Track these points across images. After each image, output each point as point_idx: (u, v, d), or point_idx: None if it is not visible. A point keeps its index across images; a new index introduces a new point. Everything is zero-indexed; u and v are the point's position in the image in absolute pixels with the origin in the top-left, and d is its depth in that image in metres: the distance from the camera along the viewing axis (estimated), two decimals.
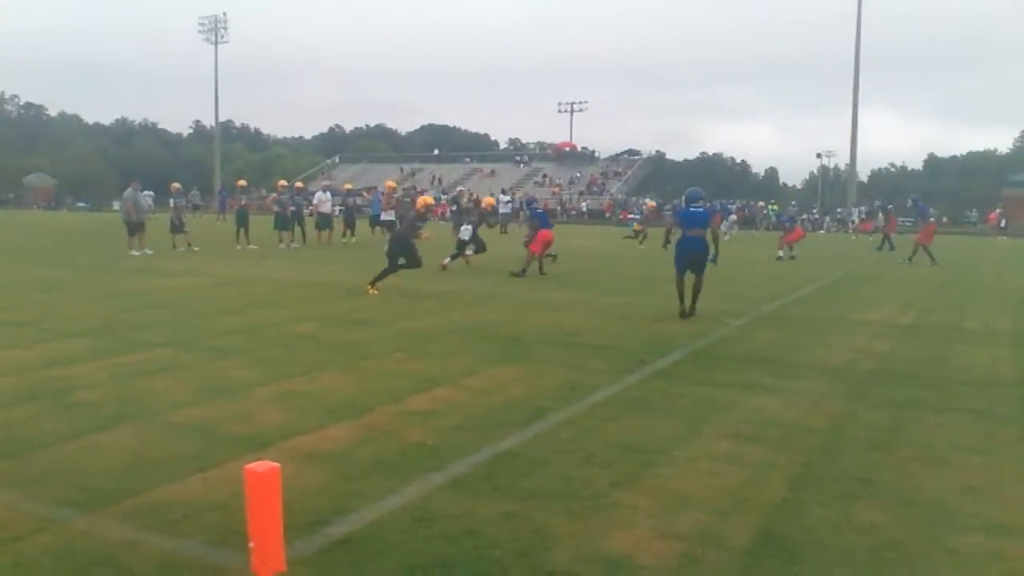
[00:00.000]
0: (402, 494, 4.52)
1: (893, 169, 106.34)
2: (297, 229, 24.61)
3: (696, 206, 11.88)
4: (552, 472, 4.96)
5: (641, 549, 3.90)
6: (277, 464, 3.26)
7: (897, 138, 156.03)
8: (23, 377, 7.02)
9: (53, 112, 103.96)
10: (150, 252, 20.51)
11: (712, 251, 12.27)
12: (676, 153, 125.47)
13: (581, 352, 8.77)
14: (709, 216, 12.35)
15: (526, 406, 6.45)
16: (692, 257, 11.67)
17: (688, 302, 11.53)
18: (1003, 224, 52.09)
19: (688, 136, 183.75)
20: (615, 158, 74.51)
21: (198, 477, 4.73)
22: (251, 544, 3.30)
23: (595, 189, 66.59)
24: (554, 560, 3.77)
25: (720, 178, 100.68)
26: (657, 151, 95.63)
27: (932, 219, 23.64)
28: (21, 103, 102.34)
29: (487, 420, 6.05)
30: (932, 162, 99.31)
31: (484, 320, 10.62)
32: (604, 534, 4.08)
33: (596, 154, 76.25)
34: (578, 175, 69.65)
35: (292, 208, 24.40)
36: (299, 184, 26.62)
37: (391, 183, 24.71)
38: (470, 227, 18.62)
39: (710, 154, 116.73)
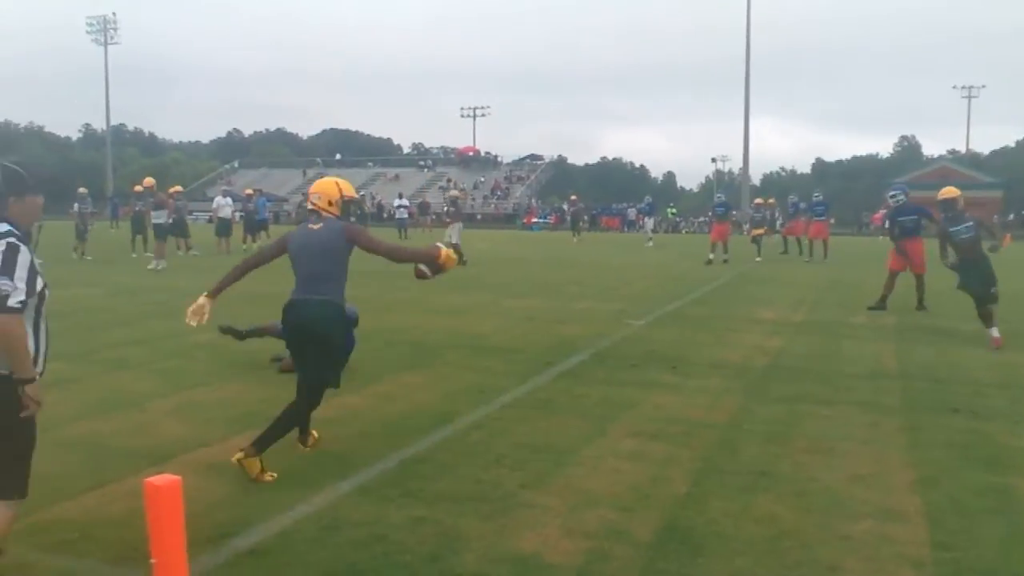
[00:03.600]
0: (309, 503, 4.46)
1: (784, 173, 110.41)
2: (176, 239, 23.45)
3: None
4: (462, 475, 4.98)
5: (549, 548, 3.97)
6: (178, 477, 3.18)
7: (787, 143, 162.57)
8: None
9: None
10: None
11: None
12: (577, 158, 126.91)
13: (487, 355, 8.82)
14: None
15: (434, 411, 6.45)
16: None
17: None
18: (887, 225, 54.62)
19: (588, 141, 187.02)
20: (518, 163, 75.05)
21: (94, 493, 4.57)
22: (153, 560, 3.20)
23: (499, 193, 66.93)
24: (463, 562, 3.79)
25: (620, 182, 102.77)
26: (559, 156, 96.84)
27: (822, 219, 24.32)
28: None
29: (395, 426, 6.03)
30: (820, 166, 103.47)
31: (388, 326, 10.56)
32: (513, 535, 4.12)
33: (499, 159, 76.65)
34: (482, 180, 69.84)
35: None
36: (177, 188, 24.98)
37: (150, 179, 21.98)
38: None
39: (610, 159, 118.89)
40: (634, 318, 11.76)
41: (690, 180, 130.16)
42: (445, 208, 26.22)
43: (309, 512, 4.34)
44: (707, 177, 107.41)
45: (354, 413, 6.37)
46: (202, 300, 5.20)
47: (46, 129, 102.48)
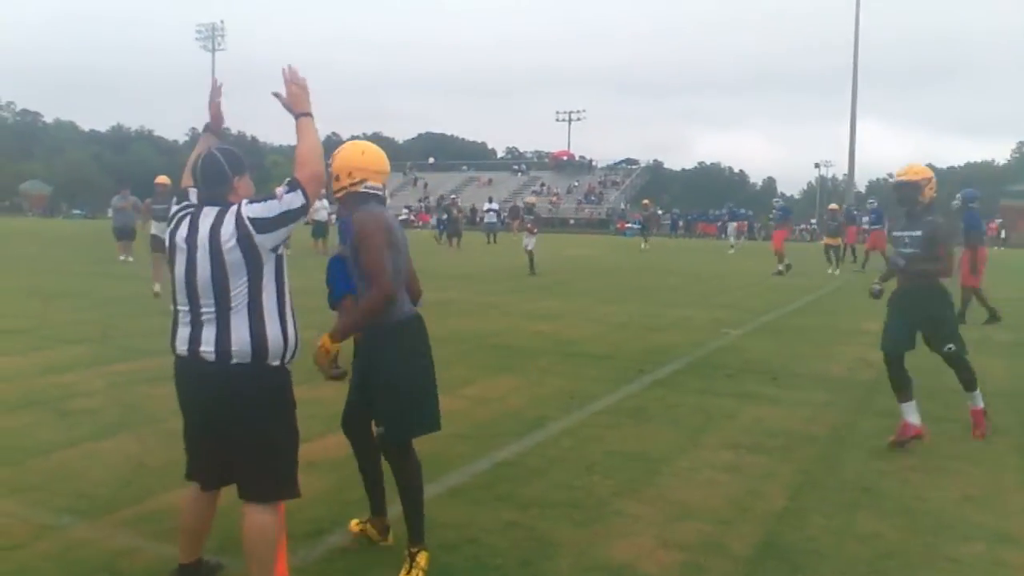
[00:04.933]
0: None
1: (891, 179, 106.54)
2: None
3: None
4: (553, 481, 4.94)
5: (644, 558, 3.89)
6: None
7: (895, 148, 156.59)
8: (21, 384, 6.99)
9: (49, 119, 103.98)
10: (131, 260, 20.04)
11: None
12: (674, 162, 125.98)
13: (579, 361, 8.76)
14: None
15: (525, 415, 6.44)
16: None
17: None
18: (1003, 235, 52.15)
19: (685, 146, 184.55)
20: (613, 167, 74.68)
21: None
22: None
23: (593, 198, 66.71)
24: (556, 569, 3.76)
25: (717, 187, 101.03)
26: (655, 160, 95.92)
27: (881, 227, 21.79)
28: (17, 110, 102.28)
29: (486, 429, 6.03)
30: None
31: (481, 329, 10.61)
32: (606, 543, 4.06)
33: (594, 163, 76.42)
34: (576, 184, 69.77)
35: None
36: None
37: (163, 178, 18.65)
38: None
39: (707, 163, 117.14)
40: (731, 327, 11.50)
41: (792, 186, 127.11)
42: (519, 216, 25.47)
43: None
44: (809, 183, 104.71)
45: (446, 415, 6.33)
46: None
47: (155, 133, 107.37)
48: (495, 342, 9.81)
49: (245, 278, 3.06)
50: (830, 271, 22.09)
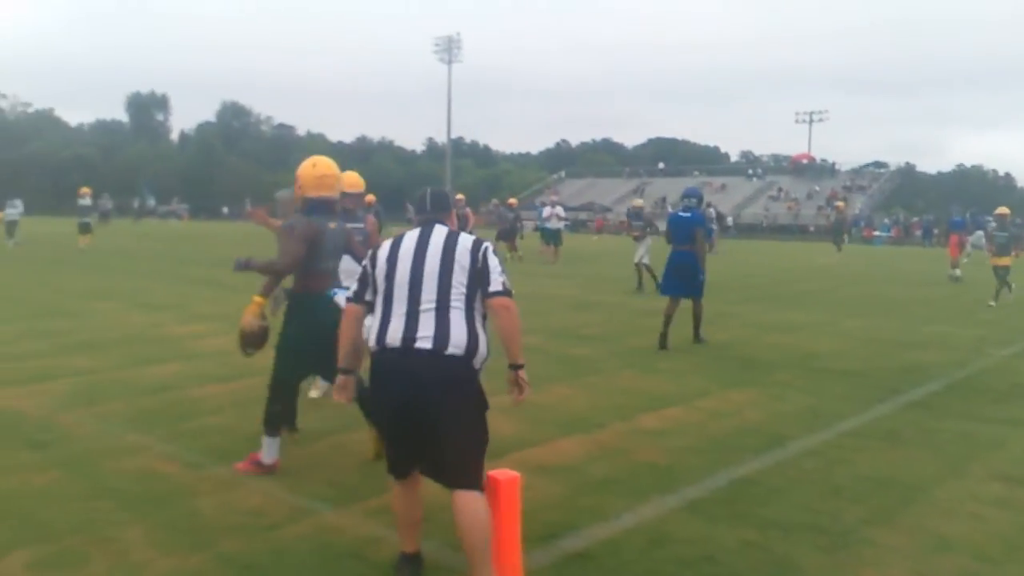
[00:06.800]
0: (636, 513, 4.44)
1: None
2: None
3: (686, 209, 10.01)
4: (795, 502, 4.68)
5: None
6: (518, 474, 3.30)
7: None
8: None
9: (302, 132, 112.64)
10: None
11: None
12: (928, 165, 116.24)
13: (823, 377, 8.27)
14: (696, 224, 9.89)
15: (764, 431, 6.16)
16: (676, 278, 9.87)
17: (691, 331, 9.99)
18: None
19: (941, 147, 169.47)
20: (858, 171, 70.18)
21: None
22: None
23: (834, 204, 63.07)
24: None
25: (978, 192, 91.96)
26: (906, 163, 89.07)
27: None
28: (275, 123, 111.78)
29: (723, 444, 5.83)
30: None
31: (716, 339, 10.32)
32: (854, 571, 3.79)
33: (836, 166, 72.21)
34: (817, 189, 66.20)
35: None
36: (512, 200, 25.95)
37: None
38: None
39: (967, 166, 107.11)
40: (997, 346, 10.41)
41: None
42: (628, 220, 20.27)
43: (636, 523, 4.31)
44: None
45: (681, 426, 6.27)
46: None
47: (395, 143, 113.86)
48: (732, 353, 9.49)
49: (464, 288, 3.42)
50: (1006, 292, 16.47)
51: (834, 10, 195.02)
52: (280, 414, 4.97)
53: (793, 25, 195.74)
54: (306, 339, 4.86)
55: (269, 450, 4.95)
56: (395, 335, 3.38)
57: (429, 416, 3.31)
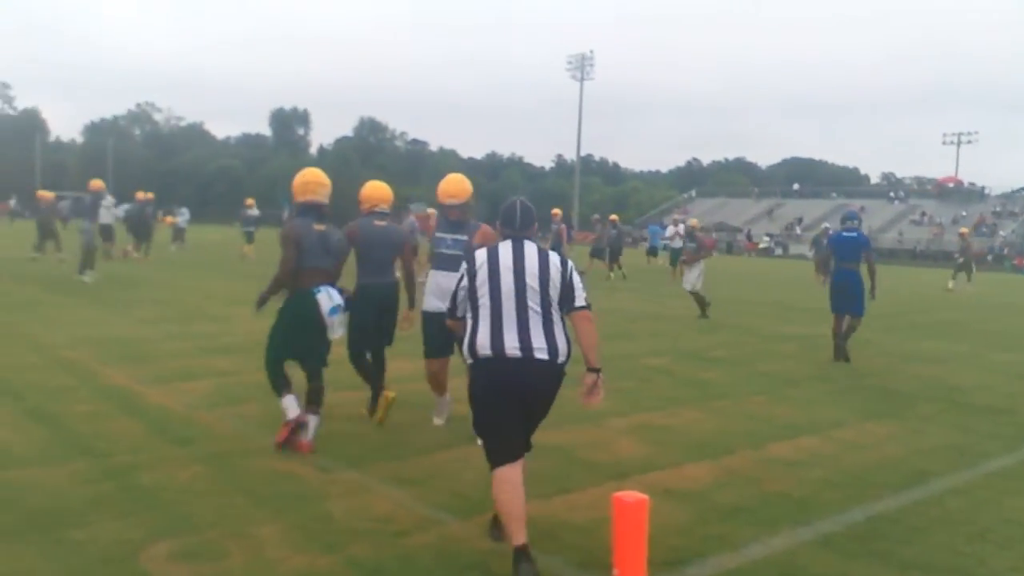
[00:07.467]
0: (766, 544, 4.29)
1: None
2: None
3: (849, 230, 10.68)
4: (937, 544, 4.41)
5: None
6: (646, 496, 3.25)
7: None
8: (399, 387, 7.52)
9: (434, 147, 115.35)
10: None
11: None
12: None
13: (968, 413, 7.79)
14: (863, 245, 10.73)
15: (904, 467, 5.85)
16: (842, 295, 10.56)
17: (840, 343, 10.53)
18: None
19: None
20: (1010, 195, 66.00)
21: (561, 498, 4.88)
22: (615, 571, 3.32)
23: (984, 229, 59.51)
24: None
25: None
26: None
27: None
28: (408, 139, 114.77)
29: (860, 477, 5.56)
30: None
31: (851, 368, 9.88)
32: None
33: (986, 190, 68.13)
34: (963, 214, 62.65)
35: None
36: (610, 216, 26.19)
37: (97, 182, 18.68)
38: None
39: None
40: None
41: None
42: (679, 243, 19.07)
43: (766, 554, 4.16)
44: None
45: (815, 456, 6.02)
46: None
47: (524, 160, 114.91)
48: (869, 383, 9.06)
49: (556, 302, 3.91)
50: None
51: (985, 26, 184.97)
52: (275, 383, 5.67)
53: (940, 40, 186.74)
54: (288, 330, 5.70)
55: (288, 409, 5.56)
56: (512, 345, 3.82)
57: (539, 408, 4.01)
